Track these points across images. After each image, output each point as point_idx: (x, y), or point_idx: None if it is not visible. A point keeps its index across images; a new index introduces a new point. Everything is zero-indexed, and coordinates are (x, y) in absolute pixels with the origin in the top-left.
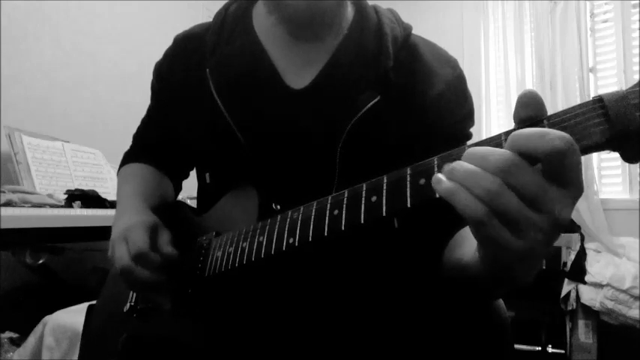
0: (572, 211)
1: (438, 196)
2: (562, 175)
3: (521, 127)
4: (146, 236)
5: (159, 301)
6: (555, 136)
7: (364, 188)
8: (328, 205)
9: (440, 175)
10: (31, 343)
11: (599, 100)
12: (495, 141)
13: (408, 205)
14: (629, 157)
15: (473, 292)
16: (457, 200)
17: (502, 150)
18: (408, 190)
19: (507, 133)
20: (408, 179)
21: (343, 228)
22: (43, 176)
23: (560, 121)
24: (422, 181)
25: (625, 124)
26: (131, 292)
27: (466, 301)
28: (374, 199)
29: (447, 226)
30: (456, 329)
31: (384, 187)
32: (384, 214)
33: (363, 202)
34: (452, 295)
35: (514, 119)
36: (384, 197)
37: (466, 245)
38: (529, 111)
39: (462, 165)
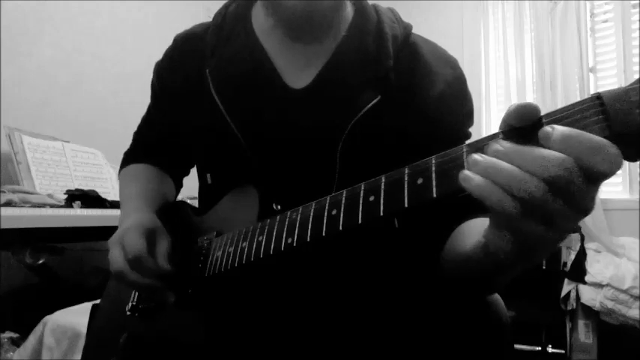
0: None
1: (435, 196)
2: (599, 177)
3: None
4: (142, 241)
5: (161, 298)
6: (616, 151)
7: (362, 188)
8: (326, 206)
9: (468, 173)
10: (31, 343)
11: (598, 97)
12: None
13: (406, 205)
14: (629, 156)
15: (474, 285)
16: (488, 198)
17: (559, 157)
18: (406, 190)
19: (504, 132)
20: (406, 179)
21: (341, 228)
22: (43, 176)
23: (558, 119)
24: (419, 181)
25: (625, 122)
26: (133, 292)
27: (466, 301)
28: (372, 199)
29: (448, 221)
30: (456, 329)
31: (382, 187)
32: (381, 214)
33: (361, 202)
34: (452, 295)
35: (501, 124)
36: (382, 197)
37: (469, 236)
38: (521, 122)
39: (502, 166)
